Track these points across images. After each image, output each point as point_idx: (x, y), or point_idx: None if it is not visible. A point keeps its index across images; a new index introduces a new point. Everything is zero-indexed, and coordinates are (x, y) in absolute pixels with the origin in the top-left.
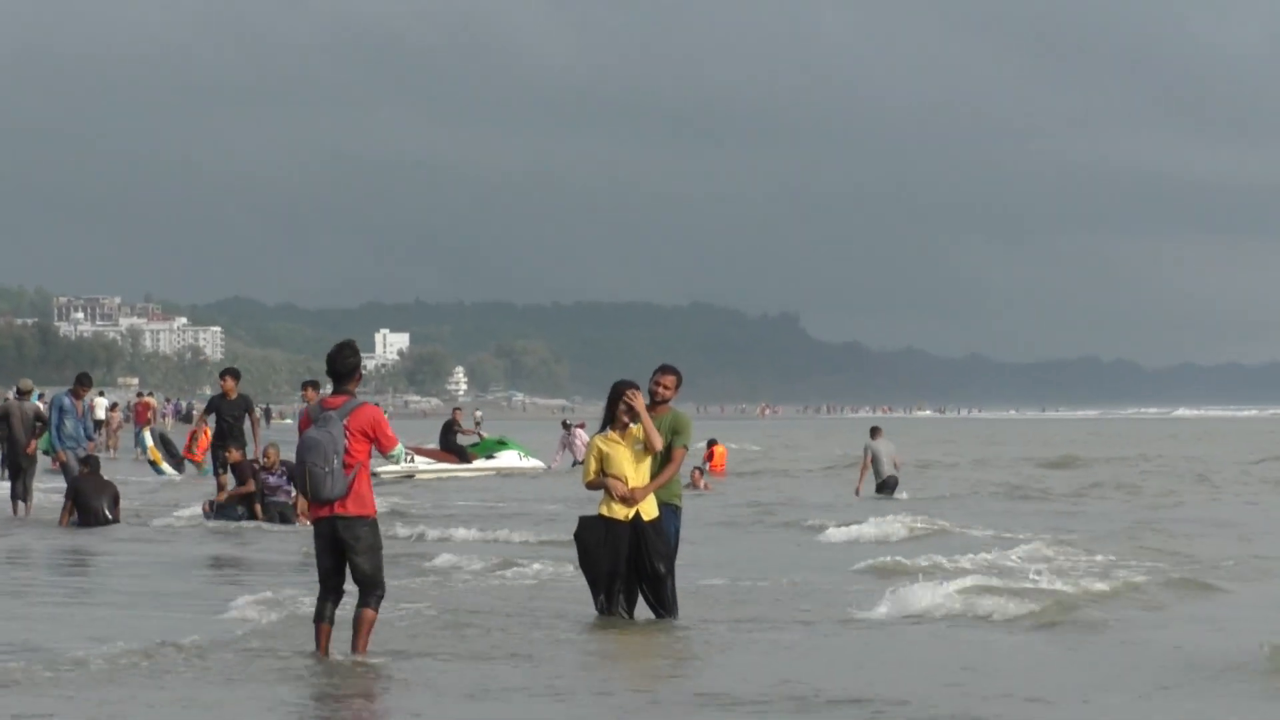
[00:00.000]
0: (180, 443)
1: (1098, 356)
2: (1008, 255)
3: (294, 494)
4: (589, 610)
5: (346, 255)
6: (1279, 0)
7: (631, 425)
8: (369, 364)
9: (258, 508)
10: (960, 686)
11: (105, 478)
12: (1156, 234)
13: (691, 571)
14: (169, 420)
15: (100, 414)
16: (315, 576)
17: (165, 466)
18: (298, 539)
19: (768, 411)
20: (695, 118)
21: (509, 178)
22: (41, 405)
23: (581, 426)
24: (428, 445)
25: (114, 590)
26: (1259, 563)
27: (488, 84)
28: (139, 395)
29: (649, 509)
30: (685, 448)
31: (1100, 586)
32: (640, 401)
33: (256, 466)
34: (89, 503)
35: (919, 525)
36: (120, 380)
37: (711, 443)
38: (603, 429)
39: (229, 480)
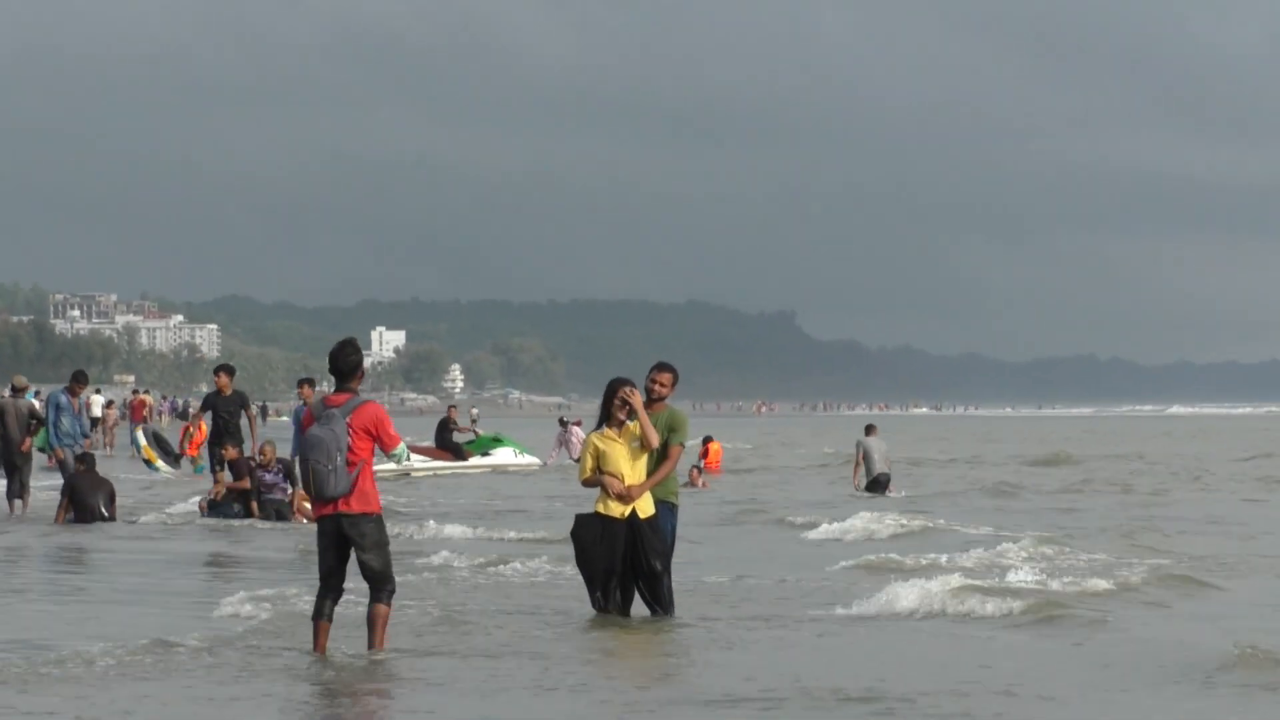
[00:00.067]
0: (174, 439)
1: (1094, 355)
2: (1005, 254)
3: (290, 491)
4: (589, 608)
5: (343, 253)
6: (1279, 0)
7: (628, 422)
8: (365, 362)
9: (254, 505)
10: (963, 683)
11: (101, 475)
12: (1154, 233)
13: (688, 569)
14: (165, 418)
15: (96, 411)
16: (312, 574)
17: (160, 464)
18: (294, 536)
19: (764, 409)
20: (693, 117)
21: (506, 177)
22: (37, 403)
23: (578, 424)
24: (423, 443)
25: (111, 588)
26: (1252, 560)
27: (485, 83)
28: (135, 393)
29: (645, 506)
30: (682, 445)
31: (1093, 584)
32: (638, 399)
33: (253, 464)
34: (85, 500)
35: (910, 522)
36: (116, 378)
37: (707, 440)
38: (599, 426)
39: (226, 478)
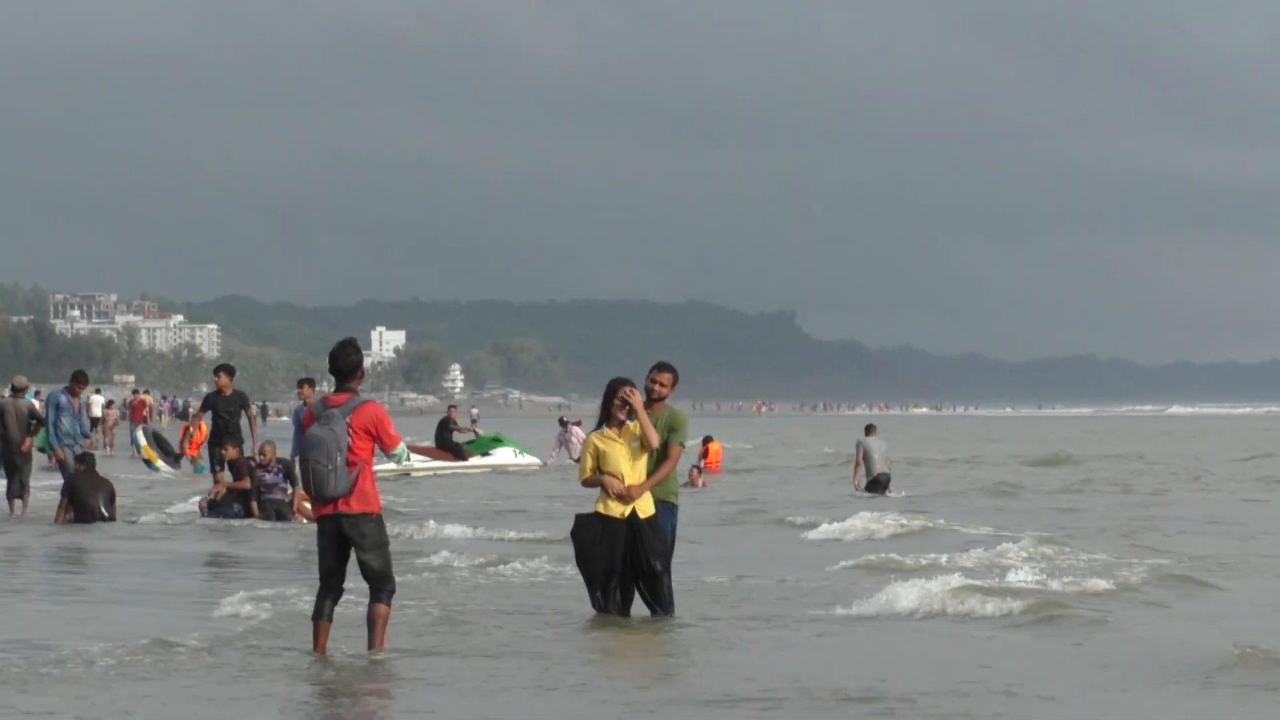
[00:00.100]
0: (174, 439)
1: (1094, 355)
2: (1005, 254)
3: (290, 491)
4: (589, 608)
5: (343, 253)
6: (1278, 1)
7: (628, 422)
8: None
9: (254, 505)
10: (963, 684)
11: (101, 475)
12: (1154, 233)
13: (689, 569)
14: (165, 418)
15: (96, 411)
16: (312, 574)
17: (160, 464)
18: (294, 537)
19: (764, 409)
20: (693, 117)
21: (506, 177)
22: (37, 403)
23: (578, 424)
24: (423, 443)
25: (111, 588)
26: (1252, 560)
27: (485, 83)
28: (135, 393)
29: (645, 506)
30: (682, 445)
31: (1093, 584)
32: (638, 398)
33: (253, 464)
34: (85, 500)
35: (910, 522)
36: (116, 378)
37: (707, 440)
38: (599, 426)
39: (226, 478)
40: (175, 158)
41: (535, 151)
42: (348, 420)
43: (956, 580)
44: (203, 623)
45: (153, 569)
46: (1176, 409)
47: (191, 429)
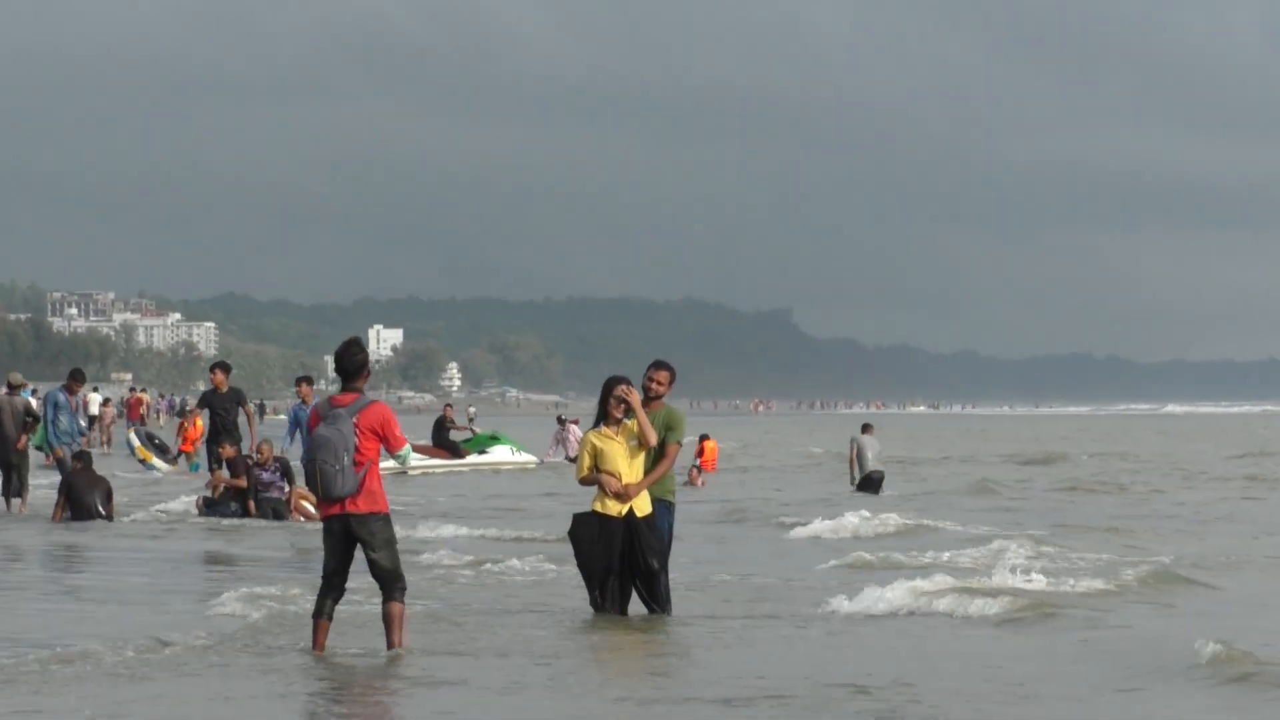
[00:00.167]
0: (168, 438)
1: (1090, 353)
2: (1002, 252)
3: (287, 490)
4: (588, 606)
5: (341, 251)
6: None
7: (626, 420)
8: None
9: (251, 504)
10: (959, 683)
11: (98, 473)
12: (1150, 231)
13: (688, 568)
14: (162, 416)
15: (93, 409)
16: (310, 573)
17: (156, 461)
18: (291, 535)
19: (762, 408)
20: (689, 114)
21: (503, 174)
22: (34, 401)
23: (575, 422)
24: (419, 441)
25: (109, 586)
26: (1245, 558)
27: (481, 81)
28: (132, 390)
29: (643, 505)
30: (679, 444)
31: (1087, 583)
32: (636, 397)
33: (250, 462)
34: (82, 498)
35: (904, 521)
36: (114, 376)
37: (703, 438)
38: (596, 425)
39: (224, 476)
40: (172, 155)
41: (532, 149)
42: (355, 420)
43: (950, 579)
44: (202, 621)
45: (150, 567)
46: (1172, 408)
47: (186, 425)
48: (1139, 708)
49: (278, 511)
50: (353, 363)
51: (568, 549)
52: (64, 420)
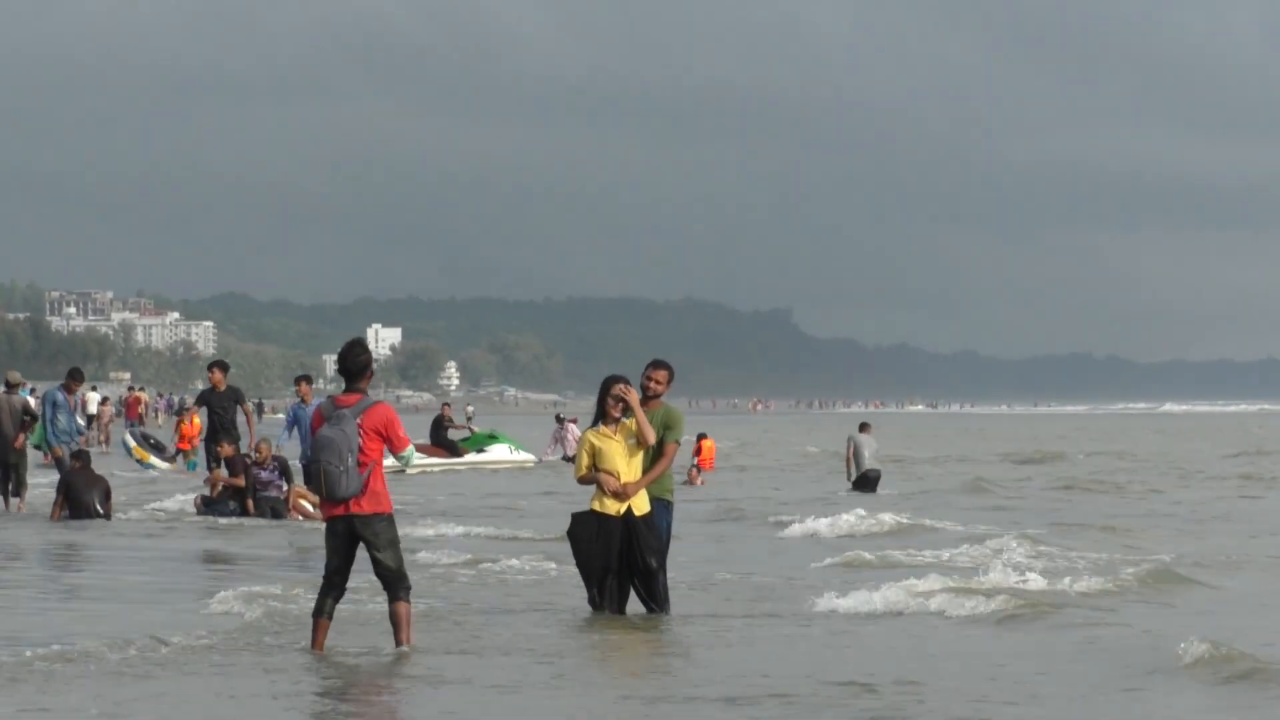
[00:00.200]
0: (166, 437)
1: (1090, 353)
2: (1001, 252)
3: (285, 489)
4: (587, 605)
5: (340, 251)
6: None
7: (624, 419)
8: None
9: (249, 503)
10: (955, 681)
11: (97, 472)
12: (1150, 231)
13: (688, 567)
14: (161, 415)
15: (92, 408)
16: (308, 571)
17: (154, 460)
18: (289, 534)
19: (760, 407)
20: (689, 114)
21: (502, 174)
22: (33, 400)
23: (574, 421)
24: (417, 440)
25: (107, 585)
26: (1241, 557)
27: (481, 81)
28: (130, 390)
29: (641, 504)
30: (677, 443)
31: (1082, 582)
32: (634, 396)
33: (248, 461)
34: (80, 497)
35: (900, 520)
36: (112, 375)
37: (700, 437)
38: (594, 424)
39: (222, 475)
40: (172, 155)
41: (532, 149)
42: (359, 421)
43: (945, 578)
44: (202, 620)
45: (149, 566)
46: (1169, 407)
47: (183, 422)
48: (1139, 707)
49: (276, 510)
50: (356, 363)
51: (566, 548)
52: (62, 419)
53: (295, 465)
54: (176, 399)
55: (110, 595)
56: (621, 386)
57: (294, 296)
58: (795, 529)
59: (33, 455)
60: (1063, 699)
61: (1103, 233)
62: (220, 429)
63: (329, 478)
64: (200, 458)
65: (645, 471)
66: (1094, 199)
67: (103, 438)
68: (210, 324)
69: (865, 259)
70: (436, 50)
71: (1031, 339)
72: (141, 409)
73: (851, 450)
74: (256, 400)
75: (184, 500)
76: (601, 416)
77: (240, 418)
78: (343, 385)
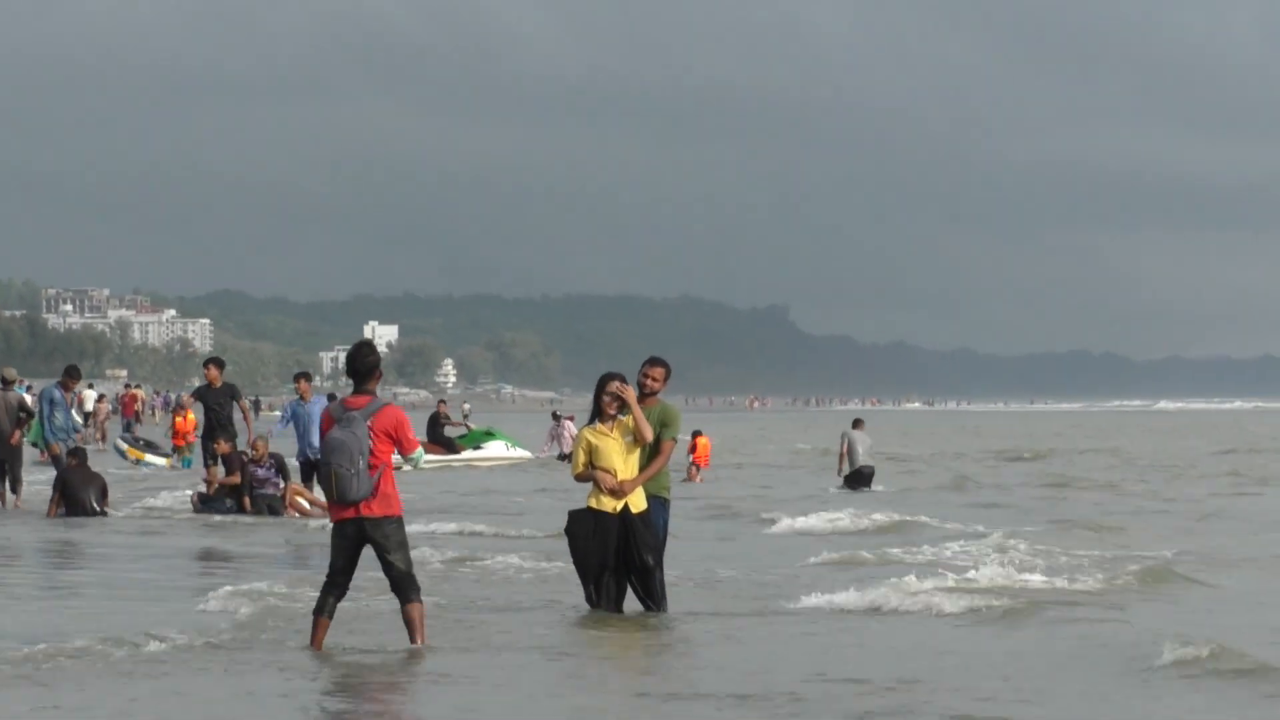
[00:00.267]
0: (158, 435)
1: (1087, 350)
2: (998, 249)
3: (282, 486)
4: (584, 603)
5: (336, 248)
6: None
7: (621, 417)
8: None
9: (246, 500)
10: (951, 680)
11: (93, 470)
12: (1147, 229)
13: (688, 565)
14: (157, 413)
15: (88, 406)
16: (306, 569)
17: (150, 458)
18: (286, 531)
19: (757, 404)
20: (686, 113)
21: (499, 172)
22: (29, 397)
23: (570, 418)
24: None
25: (104, 582)
26: (1236, 555)
27: (478, 79)
28: (126, 387)
29: (638, 501)
30: (674, 440)
31: (1075, 580)
32: (630, 393)
33: (245, 458)
34: (77, 494)
35: (892, 517)
36: (109, 372)
37: (696, 434)
38: (591, 421)
39: (219, 472)
40: (172, 155)
41: (528, 147)
42: (369, 423)
43: (937, 576)
44: (202, 618)
45: (145, 564)
46: (1164, 404)
47: (178, 417)
48: (1138, 705)
49: (273, 508)
50: (364, 364)
51: (562, 545)
52: (59, 416)
53: (292, 464)
54: (173, 396)
55: (109, 592)
56: (618, 384)
57: (290, 294)
58: (789, 526)
59: (29, 452)
60: (1064, 697)
61: (1103, 233)
62: (216, 426)
63: (340, 480)
64: (196, 454)
65: (642, 469)
66: (1094, 199)
67: (99, 435)
68: (207, 321)
69: (865, 258)
70: (436, 50)
71: (1031, 338)
72: (138, 406)
73: (845, 446)
74: (253, 397)
75: (177, 497)
76: (598, 414)
77: (237, 415)
78: (349, 384)
